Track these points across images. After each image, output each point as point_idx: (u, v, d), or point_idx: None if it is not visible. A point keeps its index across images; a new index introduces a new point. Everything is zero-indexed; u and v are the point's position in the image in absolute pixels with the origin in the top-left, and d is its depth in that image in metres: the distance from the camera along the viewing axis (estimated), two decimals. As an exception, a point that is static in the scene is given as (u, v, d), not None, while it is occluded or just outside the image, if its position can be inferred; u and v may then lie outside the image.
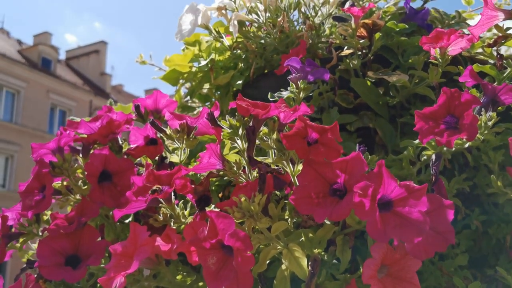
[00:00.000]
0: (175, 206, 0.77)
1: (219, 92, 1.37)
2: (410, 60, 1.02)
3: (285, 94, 0.94)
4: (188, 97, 1.48)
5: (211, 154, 0.74)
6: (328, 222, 0.72)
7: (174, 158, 0.93)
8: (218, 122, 0.75)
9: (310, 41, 1.19)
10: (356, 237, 0.76)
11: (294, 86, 0.92)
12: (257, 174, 0.72)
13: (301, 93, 0.93)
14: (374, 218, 0.60)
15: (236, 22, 1.18)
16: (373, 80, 1.05)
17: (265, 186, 0.69)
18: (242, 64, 1.31)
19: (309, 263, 0.65)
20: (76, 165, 0.89)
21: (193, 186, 0.76)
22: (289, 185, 0.73)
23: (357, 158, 0.65)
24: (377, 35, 1.09)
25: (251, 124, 0.74)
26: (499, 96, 0.71)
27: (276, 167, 0.74)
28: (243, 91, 1.28)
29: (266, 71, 1.26)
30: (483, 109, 0.71)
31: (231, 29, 1.19)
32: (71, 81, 20.45)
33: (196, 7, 1.22)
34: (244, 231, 0.62)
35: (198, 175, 0.93)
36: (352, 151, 0.94)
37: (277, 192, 0.78)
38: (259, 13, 1.20)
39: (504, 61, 0.78)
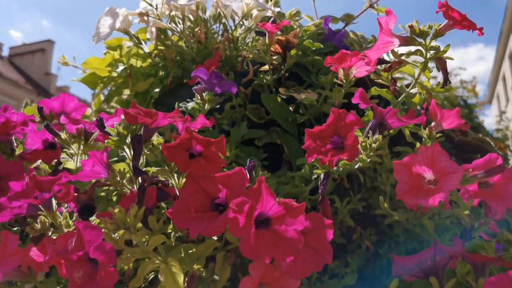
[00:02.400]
0: (58, 214, 0.73)
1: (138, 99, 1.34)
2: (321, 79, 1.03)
3: (190, 104, 0.93)
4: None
5: (95, 162, 0.71)
6: (215, 238, 0.70)
7: (70, 164, 0.89)
8: (106, 129, 0.72)
9: (229, 53, 1.18)
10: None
11: (199, 97, 0.91)
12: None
13: (206, 104, 0.91)
14: (248, 235, 0.59)
15: (153, 29, 1.16)
16: (284, 97, 1.06)
17: (145, 198, 0.67)
18: (163, 72, 1.29)
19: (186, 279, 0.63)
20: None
21: (76, 194, 0.72)
22: (174, 197, 0.71)
23: (239, 173, 0.64)
24: (293, 52, 1.10)
25: (141, 132, 0.72)
26: (386, 119, 0.72)
27: (164, 179, 0.71)
28: (162, 99, 1.26)
29: (185, 80, 1.24)
30: (370, 131, 0.72)
31: (147, 36, 1.17)
32: (13, 79, 19.57)
33: (115, 11, 1.19)
34: (113, 244, 0.59)
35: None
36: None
37: (164, 205, 0.76)
38: (179, 22, 1.18)
39: (398, 86, 0.81)
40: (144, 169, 0.73)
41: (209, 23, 1.17)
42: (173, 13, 1.20)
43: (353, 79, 0.92)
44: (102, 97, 1.43)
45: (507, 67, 25.02)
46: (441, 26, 0.75)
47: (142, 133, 0.72)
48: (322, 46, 1.13)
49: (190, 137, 0.65)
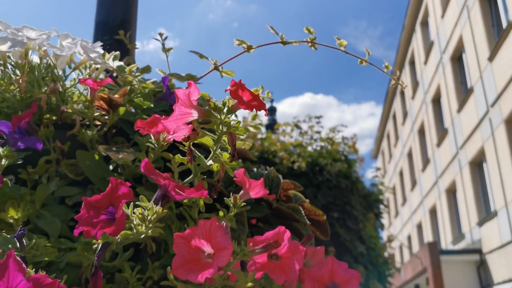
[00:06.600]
0: None
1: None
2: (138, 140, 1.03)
3: (-15, 159, 0.86)
4: None
5: None
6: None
7: None
8: None
9: (59, 105, 1.14)
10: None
11: (-5, 152, 0.85)
12: None
13: (3, 160, 0.86)
14: (-21, 317, 0.54)
15: (-30, 72, 1.08)
16: (105, 154, 1.03)
17: None
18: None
19: None
20: None
21: None
22: None
23: (-11, 246, 0.59)
24: (122, 110, 1.09)
25: None
26: (170, 191, 0.73)
27: None
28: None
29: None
30: (153, 202, 0.72)
31: (-38, 78, 1.09)
32: None
33: None
34: None
35: None
36: (55, 229, 0.89)
37: None
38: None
39: (195, 156, 0.82)
40: None
41: (37, 72, 1.12)
42: None
43: (165, 144, 0.92)
44: None
45: (391, 126, 27.41)
46: (232, 104, 0.78)
47: None
48: (152, 105, 1.13)
49: None
